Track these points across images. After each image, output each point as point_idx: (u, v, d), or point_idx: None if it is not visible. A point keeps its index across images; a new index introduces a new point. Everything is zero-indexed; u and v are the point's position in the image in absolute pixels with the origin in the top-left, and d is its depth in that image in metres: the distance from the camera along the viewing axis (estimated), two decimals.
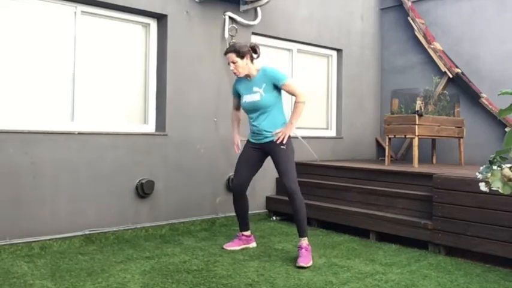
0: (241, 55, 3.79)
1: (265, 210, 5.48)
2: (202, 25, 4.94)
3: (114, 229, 4.30)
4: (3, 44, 3.96)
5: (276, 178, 5.57)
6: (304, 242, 3.70)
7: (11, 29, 4.00)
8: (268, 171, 5.49)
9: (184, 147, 4.80)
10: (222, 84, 5.09)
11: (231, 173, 5.14)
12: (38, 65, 4.15)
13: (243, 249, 4.02)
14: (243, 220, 4.11)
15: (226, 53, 3.87)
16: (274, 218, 5.43)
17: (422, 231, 4.05)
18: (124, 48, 4.65)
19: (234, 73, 3.86)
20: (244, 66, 3.82)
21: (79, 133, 4.16)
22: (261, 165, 4.05)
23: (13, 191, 3.79)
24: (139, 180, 4.46)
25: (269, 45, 5.71)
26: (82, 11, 4.33)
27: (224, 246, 4.03)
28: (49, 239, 3.92)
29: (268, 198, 5.49)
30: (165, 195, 4.65)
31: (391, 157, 5.93)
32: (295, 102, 3.80)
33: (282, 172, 3.78)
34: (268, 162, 5.51)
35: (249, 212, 5.26)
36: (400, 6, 6.62)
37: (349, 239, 4.48)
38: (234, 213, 5.11)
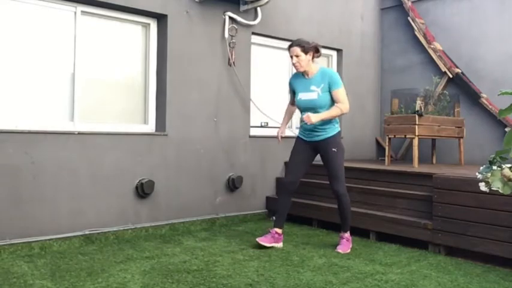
0: (305, 50, 3.92)
1: (265, 210, 5.48)
2: (202, 25, 4.94)
3: (114, 229, 4.29)
4: (3, 44, 3.96)
5: (276, 178, 5.57)
6: (347, 234, 4.05)
7: (11, 29, 4.00)
8: (268, 171, 5.50)
9: (184, 147, 4.80)
10: (222, 84, 5.09)
11: (231, 173, 5.14)
12: (38, 65, 4.14)
13: (271, 247, 4.02)
14: (283, 217, 4.16)
15: (291, 46, 3.97)
16: (274, 218, 5.40)
17: (422, 231, 4.05)
18: (124, 48, 4.65)
19: (296, 67, 3.97)
20: (306, 61, 3.93)
21: (79, 133, 4.16)
22: (311, 162, 4.15)
23: (13, 191, 3.79)
24: (139, 180, 4.46)
25: (269, 45, 5.71)
26: (82, 11, 4.33)
27: (257, 240, 4.03)
28: (49, 239, 3.92)
29: (268, 198, 5.49)
30: (165, 195, 4.65)
31: (391, 157, 5.92)
32: (336, 105, 3.90)
33: (332, 175, 3.99)
34: (266, 161, 5.52)
35: (249, 212, 5.31)
36: (400, 6, 6.62)
37: (351, 238, 4.47)
38: (234, 213, 5.15)
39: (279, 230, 4.11)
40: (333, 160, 3.96)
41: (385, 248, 4.15)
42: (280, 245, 4.10)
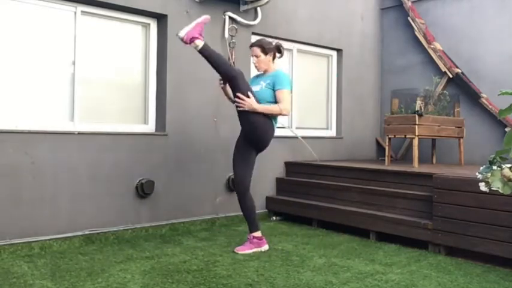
0: (265, 51, 3.96)
1: (265, 210, 5.48)
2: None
3: (114, 229, 4.29)
4: (3, 44, 3.96)
5: (276, 178, 5.58)
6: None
7: (11, 29, 4.00)
8: (268, 171, 5.50)
9: (184, 147, 4.80)
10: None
11: (231, 173, 5.14)
12: (38, 65, 4.14)
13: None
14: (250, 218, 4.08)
15: (251, 46, 4.02)
16: (274, 218, 5.43)
17: (422, 231, 4.05)
18: (124, 48, 4.65)
19: (255, 67, 4.03)
20: (266, 62, 3.98)
21: (79, 133, 4.16)
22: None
23: (13, 191, 3.79)
24: (139, 180, 4.46)
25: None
26: (82, 11, 4.33)
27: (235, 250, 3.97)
28: (49, 239, 3.92)
29: (268, 198, 5.49)
30: (165, 195, 4.65)
31: (391, 157, 5.92)
32: (277, 105, 3.86)
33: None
34: (266, 161, 5.51)
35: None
36: (400, 6, 6.62)
37: (349, 239, 4.47)
38: (234, 213, 5.15)
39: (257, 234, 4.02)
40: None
41: (385, 248, 4.15)
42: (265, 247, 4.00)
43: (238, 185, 3.94)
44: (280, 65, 5.85)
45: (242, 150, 3.97)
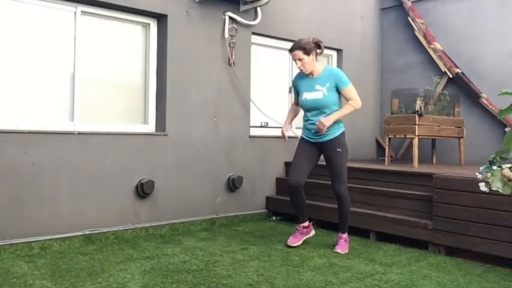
0: (307, 52, 3.87)
1: (265, 210, 5.47)
2: (202, 25, 4.93)
3: (114, 229, 4.29)
4: (3, 44, 3.96)
5: (276, 178, 5.57)
6: (345, 235, 4.06)
7: (11, 29, 4.00)
8: (268, 171, 5.50)
9: (184, 147, 4.80)
10: (222, 84, 5.09)
11: (231, 173, 5.14)
12: (38, 65, 4.14)
13: (304, 242, 4.15)
14: (301, 212, 4.15)
15: (292, 50, 3.91)
16: (274, 218, 5.43)
17: (422, 231, 4.05)
18: (124, 48, 4.65)
19: (301, 70, 3.93)
20: (310, 62, 3.90)
21: (79, 133, 4.16)
22: (317, 162, 4.09)
23: (13, 191, 3.79)
24: (139, 180, 4.46)
25: (269, 45, 5.71)
26: (82, 11, 4.33)
27: (288, 243, 4.08)
28: (49, 239, 3.92)
29: (268, 198, 5.49)
30: (165, 195, 4.65)
31: (391, 157, 5.92)
32: (348, 104, 3.89)
33: (335, 175, 3.94)
34: (266, 161, 5.52)
35: (249, 212, 5.31)
36: (400, 6, 6.62)
37: (349, 239, 4.47)
38: (234, 213, 5.15)
39: (305, 224, 4.17)
40: (337, 160, 3.92)
41: (385, 248, 4.15)
42: (313, 232, 4.24)
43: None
44: (280, 65, 5.87)
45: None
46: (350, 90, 3.89)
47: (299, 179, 3.95)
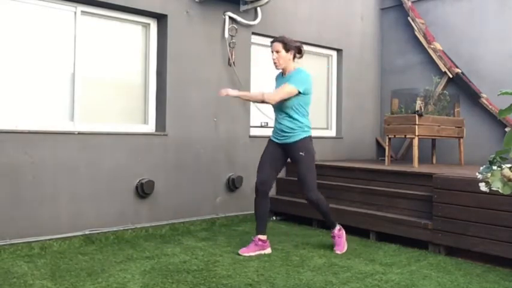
0: (287, 48, 3.85)
1: None
2: (202, 25, 4.94)
3: (114, 229, 4.29)
4: (3, 44, 3.96)
5: (276, 178, 5.55)
6: (335, 229, 4.01)
7: (11, 29, 4.00)
8: None
9: (184, 147, 4.80)
10: (222, 84, 5.08)
11: (231, 173, 5.14)
12: (38, 65, 4.15)
13: (258, 255, 3.80)
14: (261, 222, 3.93)
15: (273, 42, 3.90)
16: (274, 218, 5.43)
17: (422, 231, 4.05)
18: (124, 48, 4.65)
19: (274, 63, 3.90)
20: (285, 59, 3.86)
21: (79, 133, 4.16)
22: (284, 163, 4.03)
23: (13, 191, 3.79)
24: (139, 180, 4.46)
25: (269, 45, 5.68)
26: (82, 11, 4.33)
27: (240, 252, 3.83)
28: (49, 239, 3.92)
29: None
30: (165, 195, 4.65)
31: (391, 157, 5.92)
32: (264, 92, 3.85)
33: (300, 181, 3.89)
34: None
35: (249, 212, 5.30)
36: (400, 6, 6.62)
37: (349, 239, 4.46)
38: (234, 213, 5.15)
39: (263, 237, 3.89)
40: (301, 165, 3.82)
41: (385, 248, 4.15)
42: (268, 251, 3.89)
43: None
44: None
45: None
46: (284, 86, 3.75)
47: (263, 177, 3.89)
